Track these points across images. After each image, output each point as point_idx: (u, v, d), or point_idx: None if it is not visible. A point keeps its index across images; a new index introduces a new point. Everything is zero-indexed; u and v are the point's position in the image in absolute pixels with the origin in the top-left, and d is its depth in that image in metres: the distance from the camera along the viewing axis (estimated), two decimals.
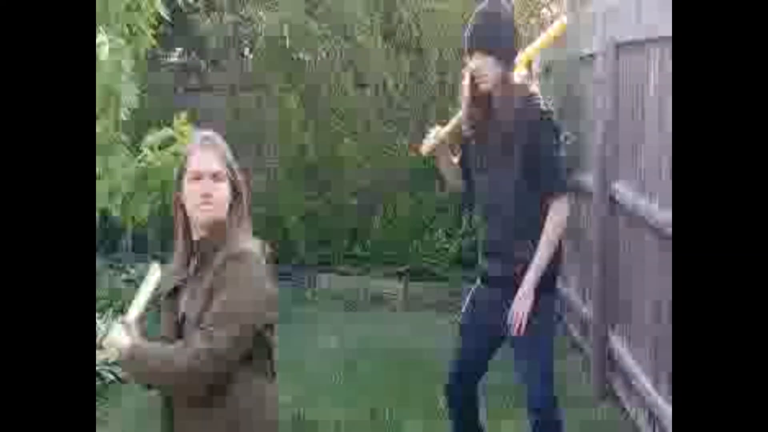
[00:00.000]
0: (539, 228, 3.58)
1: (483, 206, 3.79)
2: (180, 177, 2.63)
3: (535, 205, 3.59)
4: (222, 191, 2.59)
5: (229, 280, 2.50)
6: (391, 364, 5.71)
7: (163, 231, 7.42)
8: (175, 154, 3.52)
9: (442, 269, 7.35)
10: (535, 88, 3.70)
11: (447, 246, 7.36)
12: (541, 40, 4.39)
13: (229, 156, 2.64)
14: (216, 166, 2.59)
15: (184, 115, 3.57)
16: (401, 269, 7.48)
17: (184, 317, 2.59)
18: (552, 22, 7.11)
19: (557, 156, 3.63)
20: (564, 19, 4.94)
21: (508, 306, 3.57)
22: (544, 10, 7.50)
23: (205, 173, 2.58)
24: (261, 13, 7.55)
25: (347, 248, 7.75)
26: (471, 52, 3.59)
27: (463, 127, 3.76)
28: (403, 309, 7.18)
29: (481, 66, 3.56)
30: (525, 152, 3.56)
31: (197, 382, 2.47)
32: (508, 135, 3.59)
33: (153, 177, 3.56)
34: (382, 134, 7.61)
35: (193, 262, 2.63)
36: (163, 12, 3.66)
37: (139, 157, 3.57)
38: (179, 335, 2.59)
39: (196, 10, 7.61)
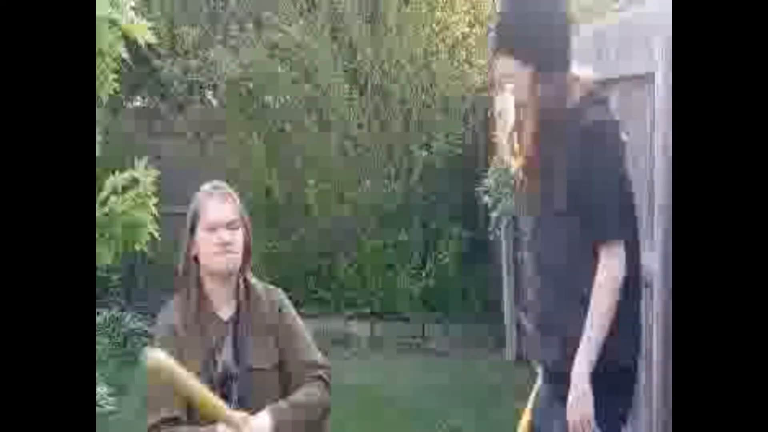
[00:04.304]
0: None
1: (534, 266, 2.69)
2: (192, 228, 2.62)
3: (589, 259, 2.51)
4: (238, 240, 2.60)
5: (295, 318, 2.93)
6: (364, 407, 5.63)
7: (126, 278, 7.32)
8: (139, 196, 3.48)
9: (408, 310, 7.35)
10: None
11: (412, 287, 7.36)
12: None
13: (240, 204, 2.65)
14: (231, 215, 2.58)
15: (145, 160, 3.54)
16: (366, 311, 7.46)
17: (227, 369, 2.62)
18: None
19: (614, 190, 2.49)
20: None
21: (560, 407, 2.54)
22: None
23: (220, 223, 2.55)
24: (224, 57, 7.54)
25: (312, 291, 7.71)
26: (495, 55, 2.59)
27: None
28: (369, 351, 7.15)
29: (500, 75, 2.58)
30: (570, 178, 2.46)
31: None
32: (551, 155, 2.48)
33: (115, 224, 3.52)
34: (346, 176, 7.61)
35: (227, 312, 2.68)
36: (126, 56, 3.63)
37: (101, 199, 3.53)
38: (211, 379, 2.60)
39: (159, 55, 7.58)
